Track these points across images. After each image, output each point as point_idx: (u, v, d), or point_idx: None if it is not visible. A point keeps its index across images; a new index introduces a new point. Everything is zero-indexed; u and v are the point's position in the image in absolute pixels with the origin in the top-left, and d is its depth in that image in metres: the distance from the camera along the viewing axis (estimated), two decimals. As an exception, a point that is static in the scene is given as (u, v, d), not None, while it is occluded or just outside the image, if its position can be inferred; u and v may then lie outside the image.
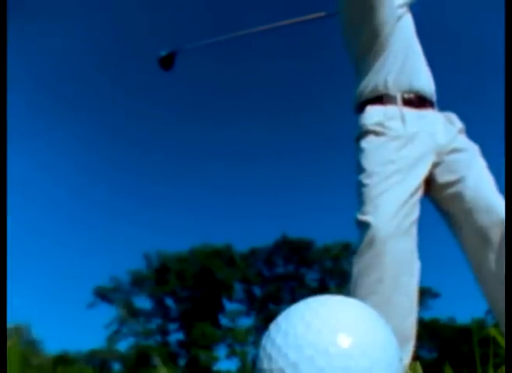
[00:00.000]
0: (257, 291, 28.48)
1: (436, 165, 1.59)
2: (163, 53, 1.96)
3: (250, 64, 41.43)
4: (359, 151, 1.60)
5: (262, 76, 40.55)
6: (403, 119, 1.59)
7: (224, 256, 27.22)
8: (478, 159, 1.62)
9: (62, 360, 18.40)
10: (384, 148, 1.55)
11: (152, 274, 27.33)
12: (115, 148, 39.90)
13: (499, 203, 1.48)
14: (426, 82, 1.70)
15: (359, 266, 1.41)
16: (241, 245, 29.28)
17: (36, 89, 38.25)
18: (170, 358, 23.19)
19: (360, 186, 1.51)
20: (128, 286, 27.26)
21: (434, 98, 1.72)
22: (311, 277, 28.87)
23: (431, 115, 1.65)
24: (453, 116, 1.69)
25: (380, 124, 1.58)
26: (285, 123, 42.97)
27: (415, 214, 1.50)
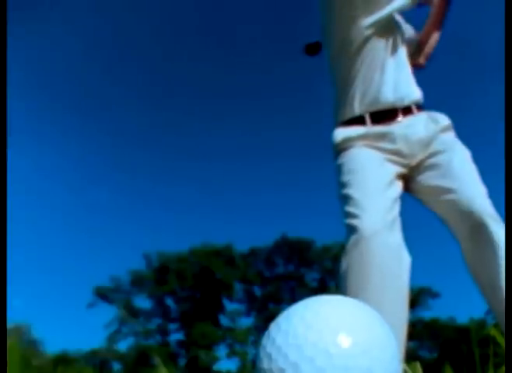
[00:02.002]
0: (258, 290, 28.51)
1: (416, 168, 1.60)
2: (312, 40, 1.92)
3: (251, 64, 41.44)
4: (336, 169, 1.63)
5: (263, 74, 40.56)
6: (371, 131, 1.61)
7: (224, 255, 27.23)
8: (459, 156, 1.59)
9: (62, 360, 18.40)
10: (356, 157, 1.58)
11: (152, 274, 27.34)
12: (115, 148, 39.93)
13: (481, 202, 1.47)
14: (398, 93, 1.66)
15: (346, 264, 1.41)
16: (241, 245, 29.36)
17: (36, 90, 38.25)
18: (170, 358, 23.20)
19: (343, 197, 1.52)
20: (127, 286, 27.29)
21: (413, 104, 1.68)
22: (311, 276, 28.90)
23: (407, 121, 1.63)
24: (437, 115, 1.67)
25: (348, 139, 1.62)
26: (286, 122, 42.98)
27: (396, 209, 1.51)
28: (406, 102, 1.65)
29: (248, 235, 41.54)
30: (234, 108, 44.10)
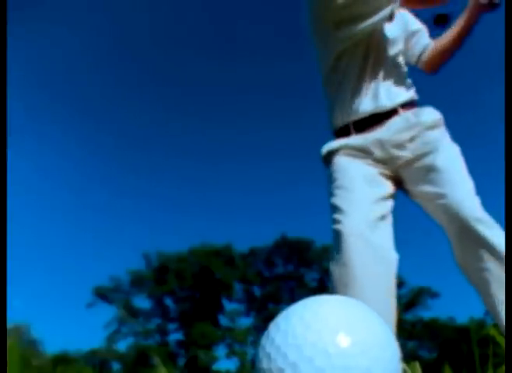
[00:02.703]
0: (257, 290, 28.51)
1: (402, 169, 1.61)
2: (441, 11, 1.76)
3: (250, 64, 41.45)
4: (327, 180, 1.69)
5: (263, 74, 40.57)
6: (349, 143, 1.66)
7: (224, 255, 27.22)
8: (445, 155, 1.58)
9: (62, 359, 18.38)
10: (337, 167, 1.64)
11: (152, 274, 27.33)
12: (115, 148, 39.92)
13: (469, 205, 1.46)
14: (378, 102, 1.66)
15: (331, 267, 1.47)
16: (241, 245, 29.38)
17: (35, 90, 38.24)
18: (170, 358, 23.19)
19: (330, 207, 1.58)
20: (127, 286, 27.28)
21: (399, 106, 1.66)
22: (310, 276, 28.90)
23: (389, 123, 1.64)
24: (423, 111, 1.65)
25: (331, 151, 1.68)
26: (286, 121, 42.98)
27: (381, 208, 1.54)
28: (389, 107, 1.65)
29: (248, 235, 41.59)
30: (234, 108, 44.12)
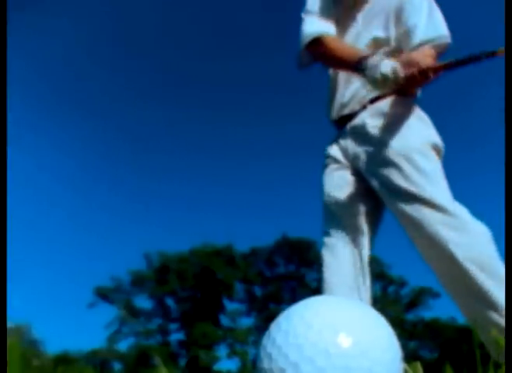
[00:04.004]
0: (258, 290, 28.50)
1: (362, 172, 1.66)
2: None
3: (254, 59, 41.48)
4: None
5: (264, 72, 40.58)
6: (329, 150, 1.77)
7: (225, 255, 27.22)
8: (397, 147, 1.54)
9: (63, 360, 18.39)
10: (324, 176, 1.75)
11: (153, 274, 27.32)
12: (116, 147, 39.97)
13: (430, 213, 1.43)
14: (344, 103, 1.72)
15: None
16: (242, 245, 29.31)
17: (37, 87, 38.30)
18: (171, 358, 23.19)
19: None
20: (128, 286, 27.27)
21: (366, 103, 1.66)
22: (312, 276, 28.88)
23: (351, 125, 1.69)
24: (377, 109, 1.64)
25: (326, 156, 1.78)
26: (287, 121, 42.97)
27: (358, 205, 1.64)
28: (353, 109, 1.69)
29: (249, 235, 41.58)
30: (235, 107, 44.16)
